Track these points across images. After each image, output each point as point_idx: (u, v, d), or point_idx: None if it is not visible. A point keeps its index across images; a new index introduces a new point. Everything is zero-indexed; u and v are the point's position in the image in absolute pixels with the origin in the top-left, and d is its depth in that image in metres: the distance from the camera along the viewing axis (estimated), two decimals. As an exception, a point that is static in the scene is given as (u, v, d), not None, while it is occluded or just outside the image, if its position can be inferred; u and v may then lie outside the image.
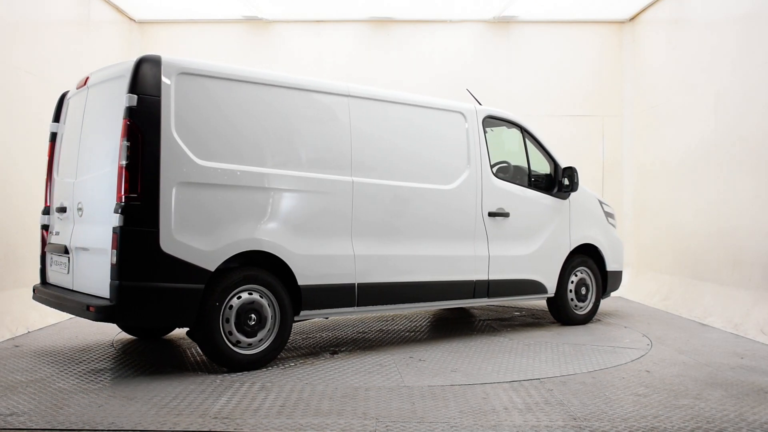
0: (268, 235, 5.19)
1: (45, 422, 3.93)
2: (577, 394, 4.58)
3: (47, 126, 6.08)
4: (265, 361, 5.24)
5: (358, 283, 5.66)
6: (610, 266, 7.59)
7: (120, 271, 4.64)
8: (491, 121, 6.87)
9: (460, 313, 8.23)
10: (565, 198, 7.17)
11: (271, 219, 5.23)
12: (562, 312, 7.25)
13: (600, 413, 4.16)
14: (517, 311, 8.30)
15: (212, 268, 4.92)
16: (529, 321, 7.60)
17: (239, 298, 5.11)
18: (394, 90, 6.39)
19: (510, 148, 7.30)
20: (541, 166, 7.17)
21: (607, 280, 7.54)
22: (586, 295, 7.38)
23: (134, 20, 10.34)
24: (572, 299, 7.28)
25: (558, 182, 7.08)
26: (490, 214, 6.54)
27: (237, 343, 5.10)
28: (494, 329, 7.08)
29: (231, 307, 5.07)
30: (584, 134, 10.53)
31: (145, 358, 5.60)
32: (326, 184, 5.55)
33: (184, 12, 10.15)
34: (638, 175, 10.29)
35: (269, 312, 5.23)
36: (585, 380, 4.97)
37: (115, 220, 4.66)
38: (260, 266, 5.23)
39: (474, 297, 6.49)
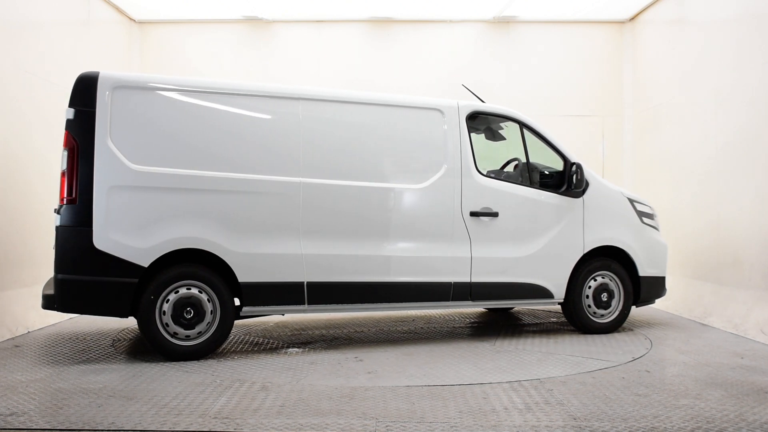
0: (205, 234, 5.50)
1: (45, 422, 3.94)
2: (577, 394, 4.58)
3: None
4: (204, 353, 5.56)
5: (307, 282, 5.74)
6: (645, 271, 6.92)
7: (58, 265, 5.28)
8: (483, 117, 6.69)
9: (503, 314, 8.05)
10: (577, 196, 6.66)
11: (208, 218, 5.53)
12: (576, 319, 6.76)
13: (600, 413, 4.16)
14: (554, 317, 7.91)
15: (145, 263, 5.34)
16: (548, 327, 7.23)
17: (177, 292, 5.48)
18: (357, 90, 6.36)
19: (513, 145, 6.97)
20: (555, 164, 6.80)
21: (640, 287, 6.91)
22: (608, 302, 6.80)
23: (134, 20, 10.33)
24: (589, 306, 6.75)
25: (568, 179, 6.61)
26: (473, 214, 6.27)
27: (175, 335, 5.49)
28: (494, 334, 7.00)
29: (168, 300, 5.46)
30: (584, 134, 10.52)
31: (145, 358, 5.61)
32: (269, 185, 5.70)
33: (184, 12, 10.14)
34: (638, 175, 10.29)
35: (208, 307, 5.55)
36: (585, 380, 4.97)
37: (56, 220, 5.31)
38: (203, 264, 5.57)
39: (452, 300, 6.25)
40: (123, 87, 5.42)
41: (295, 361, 5.60)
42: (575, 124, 10.48)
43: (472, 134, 7.04)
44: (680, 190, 8.83)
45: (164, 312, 5.45)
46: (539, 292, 6.54)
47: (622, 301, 6.86)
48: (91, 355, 5.77)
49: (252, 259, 5.61)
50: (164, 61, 10.46)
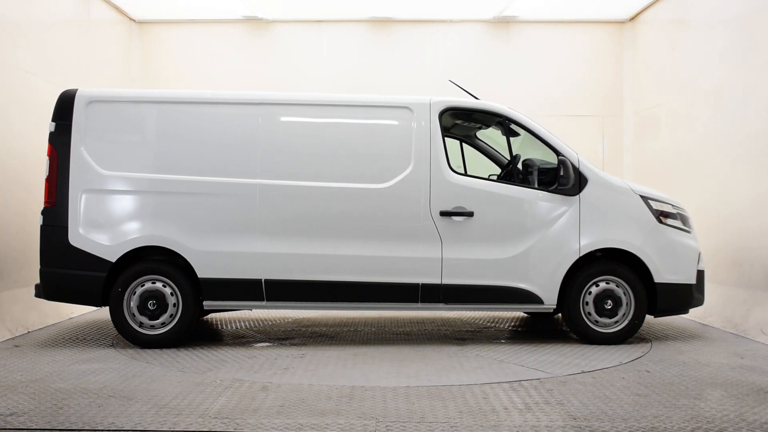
0: (166, 233, 5.98)
1: (45, 422, 3.94)
2: (577, 394, 4.58)
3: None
4: (169, 342, 6.02)
5: (265, 279, 6.01)
6: (662, 277, 6.20)
7: (42, 259, 6.01)
8: (465, 113, 6.53)
9: (548, 320, 7.72)
10: (571, 194, 6.14)
11: (169, 218, 6.01)
12: (573, 327, 6.28)
13: (600, 413, 4.17)
14: None
15: (113, 259, 5.94)
16: (553, 334, 6.92)
17: (143, 285, 6.00)
18: (322, 93, 6.45)
19: (502, 141, 6.67)
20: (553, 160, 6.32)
21: (656, 294, 6.22)
22: (614, 310, 6.20)
23: (134, 20, 10.34)
24: (589, 313, 6.20)
25: (558, 176, 6.13)
26: (443, 214, 6.04)
27: (141, 324, 6.01)
28: (488, 338, 6.90)
29: (135, 293, 5.99)
30: (584, 134, 10.51)
31: (145, 359, 5.61)
32: (227, 187, 6.04)
33: (184, 12, 10.14)
34: (638, 175, 10.28)
35: (171, 300, 6.02)
36: (585, 380, 4.97)
37: (40, 220, 6.01)
38: (168, 260, 6.06)
39: (421, 302, 6.08)
40: (96, 101, 6.06)
41: (240, 354, 5.81)
42: (575, 124, 10.47)
43: (474, 132, 6.96)
44: (680, 189, 8.81)
45: (131, 303, 5.97)
46: (524, 297, 6.13)
47: (632, 310, 6.21)
48: (91, 355, 5.78)
49: (211, 257, 5.98)
50: (164, 61, 10.47)
